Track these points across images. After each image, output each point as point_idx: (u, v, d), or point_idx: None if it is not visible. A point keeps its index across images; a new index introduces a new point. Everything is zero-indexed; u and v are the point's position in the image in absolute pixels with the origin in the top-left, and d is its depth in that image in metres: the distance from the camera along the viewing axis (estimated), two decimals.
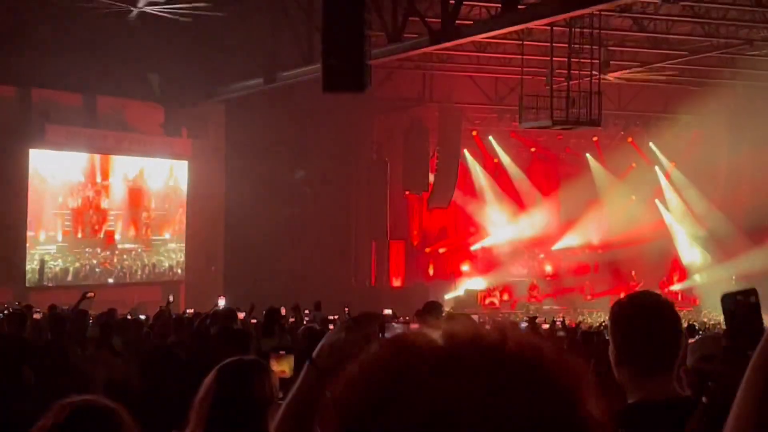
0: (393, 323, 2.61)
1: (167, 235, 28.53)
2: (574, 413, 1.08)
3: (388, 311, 21.38)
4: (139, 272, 27.83)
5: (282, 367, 3.74)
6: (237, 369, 3.37)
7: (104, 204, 26.80)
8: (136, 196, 27.57)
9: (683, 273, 36.33)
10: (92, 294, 14.66)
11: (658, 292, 3.55)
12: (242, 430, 3.01)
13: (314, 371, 2.59)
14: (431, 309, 8.07)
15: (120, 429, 2.68)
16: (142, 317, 16.21)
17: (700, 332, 18.99)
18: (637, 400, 3.00)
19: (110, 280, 26.62)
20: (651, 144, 35.34)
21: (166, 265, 28.50)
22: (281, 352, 3.94)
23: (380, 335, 2.56)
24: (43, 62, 23.27)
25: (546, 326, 19.32)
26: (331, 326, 14.56)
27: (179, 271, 28.62)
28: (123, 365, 8.08)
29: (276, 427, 2.63)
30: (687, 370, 3.71)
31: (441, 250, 35.13)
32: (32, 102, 24.92)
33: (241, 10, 23.35)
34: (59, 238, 25.84)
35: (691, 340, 4.39)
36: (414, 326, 2.59)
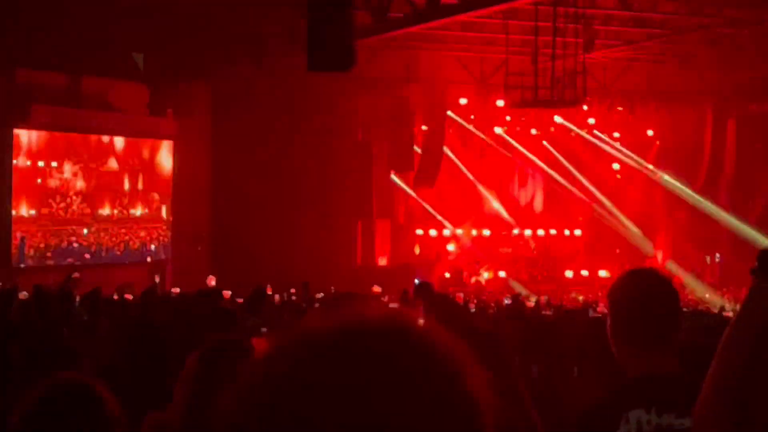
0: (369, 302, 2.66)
1: (153, 215, 28.48)
2: (455, 390, 1.10)
3: (377, 288, 21.54)
4: (125, 252, 27.80)
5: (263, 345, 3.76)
6: (219, 348, 3.39)
7: (87, 183, 26.71)
8: (120, 176, 27.50)
9: (668, 251, 36.50)
10: (77, 275, 14.72)
11: (647, 267, 3.59)
12: None
13: None
14: (423, 290, 8.09)
15: (102, 406, 2.72)
16: (129, 296, 16.26)
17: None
18: (637, 374, 3.06)
19: (91, 258, 26.56)
20: (635, 121, 35.40)
21: (152, 245, 28.49)
22: (263, 330, 3.98)
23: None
24: (27, 42, 23.16)
25: (531, 305, 19.44)
26: (317, 305, 14.63)
27: (165, 251, 28.61)
28: (110, 345, 8.12)
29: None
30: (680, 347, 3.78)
31: (431, 233, 35.24)
32: (16, 82, 24.81)
33: None
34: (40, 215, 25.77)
35: None
36: (393, 305, 2.64)
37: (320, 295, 19.33)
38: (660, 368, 3.04)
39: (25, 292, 14.45)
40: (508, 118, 34.08)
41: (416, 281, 29.11)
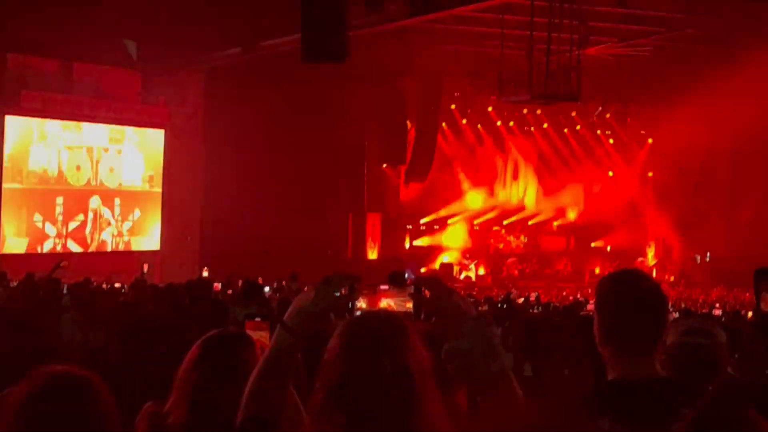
0: (361, 284, 2.60)
1: (141, 205, 28.40)
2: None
3: (384, 287, 21.47)
4: (115, 241, 27.71)
5: (258, 333, 3.72)
6: (222, 341, 3.35)
7: (79, 172, 26.62)
8: (110, 164, 27.39)
9: (659, 249, 36.54)
10: (66, 263, 14.58)
11: (636, 268, 3.49)
12: (228, 402, 3.00)
13: (285, 333, 2.57)
14: (395, 279, 8.14)
15: (97, 399, 2.65)
16: (117, 285, 16.17)
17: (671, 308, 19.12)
18: (614, 378, 2.99)
19: (81, 249, 26.48)
20: (629, 120, 35.40)
21: (142, 234, 28.39)
22: (257, 319, 3.92)
23: (350, 296, 2.55)
24: (19, 27, 23.03)
25: (521, 301, 19.39)
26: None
27: (155, 241, 28.53)
28: (99, 334, 8.04)
29: (249, 389, 2.62)
30: (668, 346, 3.71)
31: (422, 227, 35.21)
32: (8, 68, 24.68)
33: None
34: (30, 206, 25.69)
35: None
36: (383, 287, 2.58)
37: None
38: (638, 373, 2.96)
39: (11, 282, 14.37)
40: (505, 113, 34.01)
41: (406, 274, 29.15)
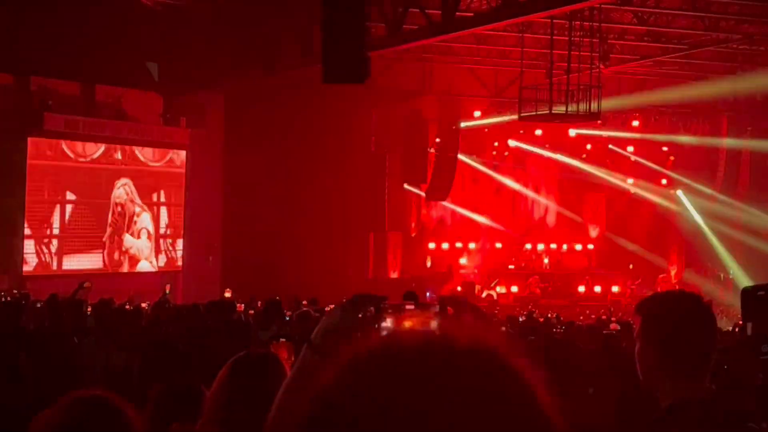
0: (387, 305, 2.59)
1: (165, 226, 28.49)
2: (540, 419, 1.07)
3: (410, 307, 21.41)
4: (138, 262, 27.80)
5: (284, 353, 3.72)
6: (251, 362, 3.35)
7: (102, 194, 26.75)
8: (133, 187, 27.51)
9: (682, 266, 36.33)
10: (89, 284, 14.64)
11: (659, 285, 3.45)
12: (259, 423, 2.99)
13: (312, 353, 2.58)
14: (409, 299, 8.20)
15: (128, 424, 2.66)
16: (144, 305, 16.21)
17: None
18: (676, 401, 2.95)
19: (107, 269, 26.58)
20: (650, 136, 35.26)
21: (168, 256, 28.49)
22: (281, 340, 3.93)
23: (377, 317, 2.54)
24: (41, 50, 23.21)
25: (543, 320, 19.29)
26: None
27: (177, 262, 28.61)
28: (121, 355, 8.05)
29: (275, 408, 2.61)
30: None
31: (443, 247, 35.16)
32: (31, 90, 24.87)
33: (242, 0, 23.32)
34: (56, 226, 25.81)
35: None
36: (409, 307, 2.57)
37: (330, 306, 19.23)
38: (695, 393, 2.93)
39: (35, 302, 14.42)
40: (521, 131, 33.91)
41: (427, 294, 29.08)
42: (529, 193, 37.15)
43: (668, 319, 3.02)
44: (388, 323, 2.56)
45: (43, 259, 25.55)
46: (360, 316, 2.56)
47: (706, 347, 2.99)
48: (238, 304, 14.28)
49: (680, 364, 2.96)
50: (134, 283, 25.29)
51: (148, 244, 27.91)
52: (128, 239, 27.43)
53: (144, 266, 27.83)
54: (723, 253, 34.58)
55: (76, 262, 26.00)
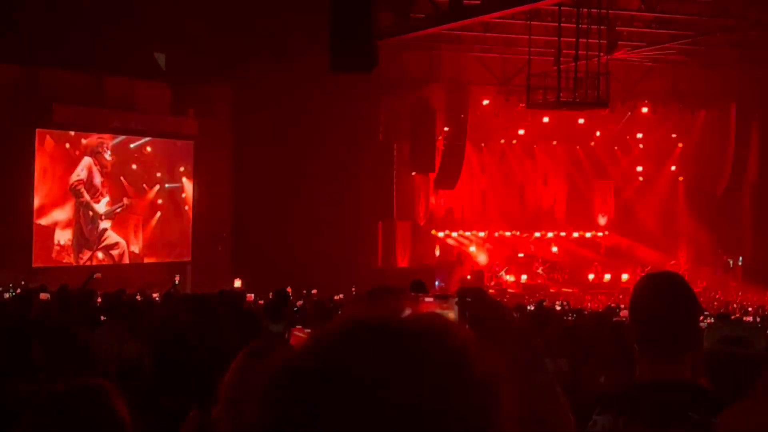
0: (405, 297, 2.59)
1: (174, 216, 28.54)
2: (487, 404, 1.10)
3: (429, 299, 21.42)
4: (147, 253, 27.85)
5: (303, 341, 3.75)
6: (266, 351, 3.37)
7: (109, 184, 26.79)
8: (142, 178, 27.56)
9: (691, 254, 36.28)
10: (99, 275, 14.72)
11: (671, 271, 3.42)
12: None
13: None
14: (417, 288, 8.38)
15: (111, 410, 2.68)
16: (155, 295, 16.26)
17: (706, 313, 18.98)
18: (640, 381, 2.97)
19: (116, 260, 26.65)
20: (658, 123, 35.19)
21: (173, 245, 28.53)
22: (298, 327, 3.95)
23: (397, 309, 2.54)
24: (50, 42, 23.23)
25: (559, 308, 19.32)
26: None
27: (187, 251, 28.67)
28: (134, 345, 8.08)
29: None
30: (704, 353, 3.67)
31: (452, 235, 35.15)
32: (39, 82, 24.91)
33: None
34: (64, 217, 25.86)
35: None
36: (428, 299, 2.58)
37: (340, 296, 19.28)
38: (665, 375, 2.92)
39: (46, 293, 14.45)
40: (530, 119, 33.87)
41: (436, 283, 29.10)
42: (537, 181, 37.12)
43: (641, 297, 3.04)
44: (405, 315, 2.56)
45: (53, 250, 25.61)
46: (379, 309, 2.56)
47: (678, 326, 2.96)
48: (248, 294, 14.32)
49: (653, 343, 2.96)
50: (144, 274, 25.35)
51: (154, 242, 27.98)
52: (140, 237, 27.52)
53: (152, 258, 27.89)
54: (733, 239, 34.49)
55: (86, 254, 26.08)
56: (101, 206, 26.45)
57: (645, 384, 2.93)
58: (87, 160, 26.08)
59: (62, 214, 25.80)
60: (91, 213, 26.31)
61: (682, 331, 2.97)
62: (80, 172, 25.99)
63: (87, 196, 26.11)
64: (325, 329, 1.17)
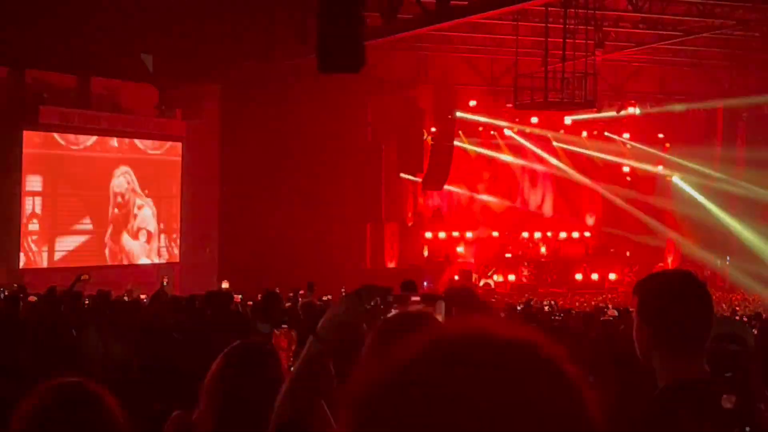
0: (393, 296, 2.60)
1: (161, 218, 28.47)
2: (584, 410, 1.11)
3: (416, 298, 21.42)
4: (134, 254, 27.78)
5: (284, 341, 3.73)
6: (247, 351, 3.35)
7: (98, 186, 26.71)
8: (129, 178, 27.48)
9: (678, 254, 36.34)
10: (86, 276, 14.64)
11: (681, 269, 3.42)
12: (256, 412, 2.99)
13: (317, 344, 2.59)
14: (408, 288, 8.40)
15: (104, 410, 2.66)
16: (143, 296, 16.22)
17: None
18: (670, 381, 2.96)
19: (105, 262, 26.57)
20: (645, 123, 35.25)
21: (170, 251, 28.47)
22: (284, 327, 3.93)
23: (382, 308, 2.55)
24: (36, 43, 23.16)
25: (547, 308, 19.33)
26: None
27: (174, 253, 28.60)
28: (120, 347, 8.06)
29: (280, 398, 2.63)
30: None
31: (440, 235, 35.17)
32: (26, 83, 24.82)
33: None
34: (52, 219, 25.78)
35: None
36: (415, 299, 2.58)
37: (329, 297, 19.27)
38: (694, 374, 2.93)
39: (33, 295, 14.41)
40: (517, 120, 33.91)
41: (425, 284, 29.09)
42: (525, 181, 37.14)
43: (662, 296, 3.02)
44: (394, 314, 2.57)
45: (40, 252, 25.52)
46: (366, 307, 2.57)
47: (700, 325, 2.98)
48: (235, 296, 14.29)
49: (674, 342, 2.97)
50: (131, 276, 25.28)
51: (146, 246, 27.85)
52: (127, 239, 27.40)
53: (142, 260, 27.81)
54: (720, 237, 34.57)
55: (74, 256, 25.98)
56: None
57: (682, 383, 2.93)
58: None
59: None
60: None
61: (705, 330, 3.00)
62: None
63: None
64: (412, 345, 1.13)
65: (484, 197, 36.02)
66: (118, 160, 27.11)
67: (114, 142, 26.89)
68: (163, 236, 28.42)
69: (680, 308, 2.98)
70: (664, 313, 3.00)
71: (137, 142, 27.45)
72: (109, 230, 27.02)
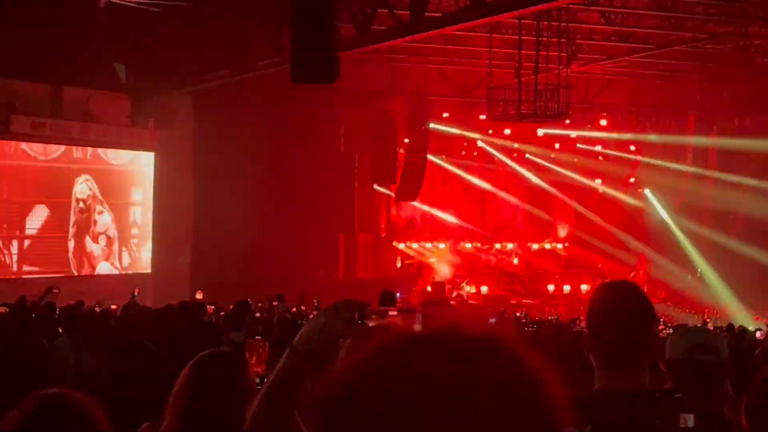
0: (371, 310, 2.61)
1: (134, 228, 28.34)
2: (544, 400, 1.13)
3: (393, 312, 21.41)
4: (106, 265, 27.61)
5: (258, 353, 3.72)
6: (214, 361, 3.34)
7: (70, 194, 26.56)
8: (101, 188, 27.33)
9: (649, 266, 36.54)
10: (57, 290, 14.52)
11: (628, 281, 3.42)
12: (222, 423, 2.99)
13: (294, 356, 2.59)
14: (386, 298, 8.44)
15: (93, 422, 2.65)
16: (114, 306, 16.12)
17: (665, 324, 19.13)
18: (602, 391, 2.95)
19: (74, 272, 26.40)
20: (617, 136, 35.45)
21: (133, 257, 28.31)
22: (257, 338, 3.92)
23: (359, 321, 2.56)
24: (8, 52, 23.00)
25: (523, 320, 19.38)
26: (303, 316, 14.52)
27: (147, 263, 28.46)
28: (91, 358, 8.01)
29: (254, 411, 2.62)
30: (669, 361, 3.69)
31: (412, 246, 35.21)
32: None
33: (211, 0, 23.21)
34: (20, 227, 25.61)
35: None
36: (392, 312, 2.59)
37: (303, 308, 19.25)
38: (621, 386, 2.91)
39: (4, 305, 14.30)
40: (490, 131, 34.02)
41: (397, 295, 29.08)
42: (498, 192, 37.24)
43: (596, 309, 3.03)
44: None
45: (6, 262, 25.33)
46: (344, 321, 2.57)
47: (631, 335, 2.95)
48: (208, 306, 14.24)
49: (608, 353, 2.96)
50: (102, 286, 25.10)
51: (105, 251, 27.65)
52: (89, 242, 27.22)
53: (104, 268, 27.52)
54: (691, 251, 34.84)
55: (41, 265, 25.80)
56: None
57: (606, 395, 2.93)
58: None
59: None
60: None
61: (639, 341, 2.96)
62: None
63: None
64: (377, 346, 1.16)
65: (453, 219, 36.13)
66: (80, 170, 26.91)
67: (80, 153, 26.71)
68: (132, 245, 28.29)
69: (611, 317, 2.98)
70: (599, 325, 3.00)
71: (100, 151, 27.24)
72: (74, 235, 26.83)
